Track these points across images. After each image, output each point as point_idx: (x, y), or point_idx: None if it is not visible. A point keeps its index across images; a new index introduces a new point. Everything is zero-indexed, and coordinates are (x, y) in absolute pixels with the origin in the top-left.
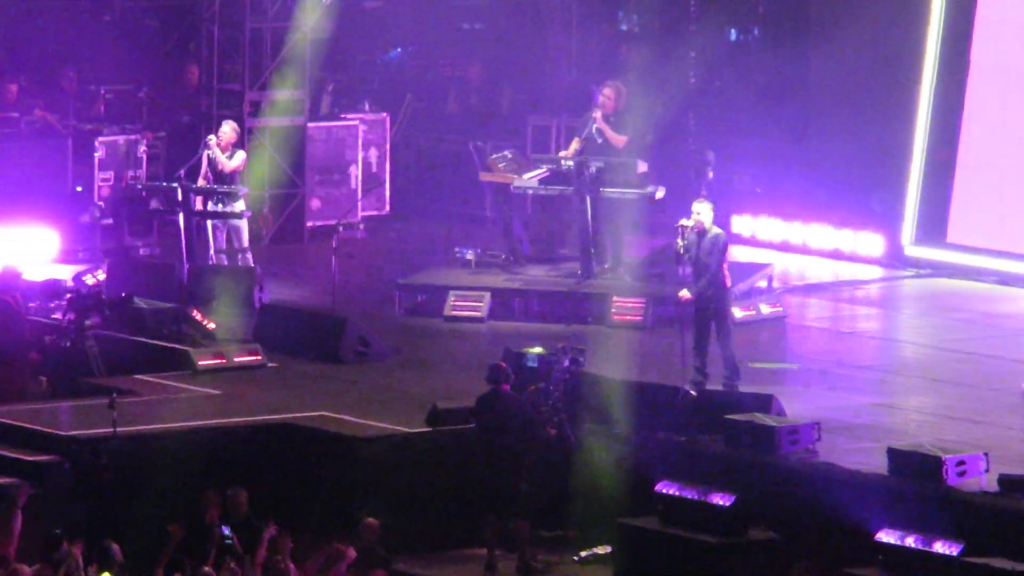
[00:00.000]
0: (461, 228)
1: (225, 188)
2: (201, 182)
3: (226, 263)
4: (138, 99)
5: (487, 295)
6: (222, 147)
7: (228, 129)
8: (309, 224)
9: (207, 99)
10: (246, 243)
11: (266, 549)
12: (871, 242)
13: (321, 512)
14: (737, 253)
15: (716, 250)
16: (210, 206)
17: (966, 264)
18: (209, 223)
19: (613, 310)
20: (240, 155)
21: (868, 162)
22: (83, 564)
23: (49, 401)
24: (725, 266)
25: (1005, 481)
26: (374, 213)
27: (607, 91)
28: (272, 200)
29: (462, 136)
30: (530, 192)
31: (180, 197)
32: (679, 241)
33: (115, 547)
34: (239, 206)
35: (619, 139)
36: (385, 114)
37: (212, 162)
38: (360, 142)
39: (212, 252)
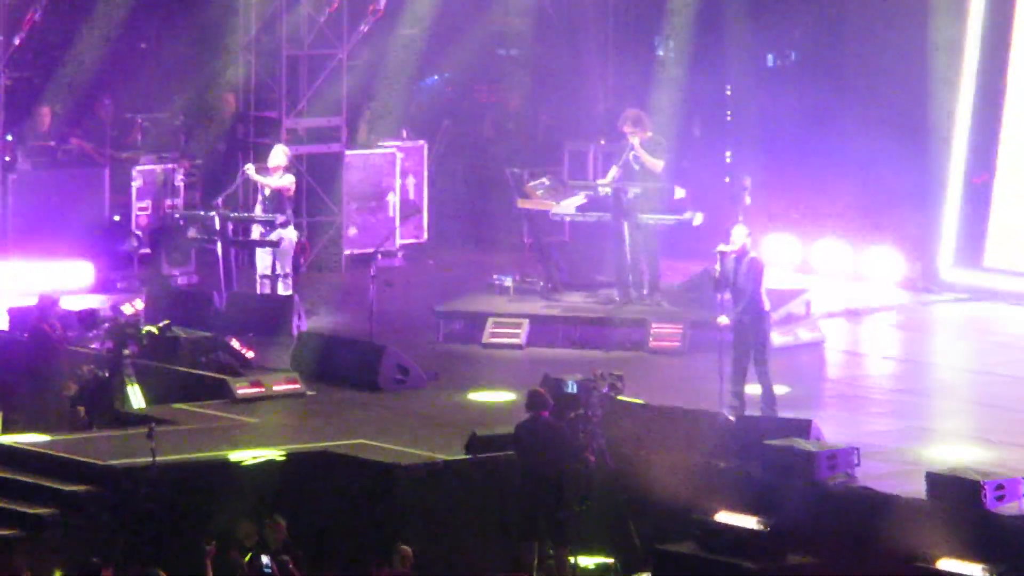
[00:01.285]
0: (499, 255)
1: (262, 216)
2: (258, 208)
3: (268, 288)
4: (174, 127)
5: (525, 322)
6: (271, 170)
7: (279, 152)
8: (347, 252)
9: (244, 127)
10: (288, 269)
11: None
12: (908, 266)
13: (359, 540)
14: (774, 278)
15: (754, 275)
16: (252, 233)
17: (1003, 288)
18: (258, 248)
19: (651, 336)
20: (289, 177)
21: (905, 186)
22: None
23: (87, 431)
24: (763, 291)
25: None
26: (412, 241)
27: (626, 129)
28: (309, 228)
29: (499, 163)
30: (567, 219)
31: (217, 225)
32: (716, 267)
33: (161, 575)
34: (280, 233)
35: (656, 164)
36: (423, 141)
37: (260, 187)
38: (398, 169)
39: (258, 276)
